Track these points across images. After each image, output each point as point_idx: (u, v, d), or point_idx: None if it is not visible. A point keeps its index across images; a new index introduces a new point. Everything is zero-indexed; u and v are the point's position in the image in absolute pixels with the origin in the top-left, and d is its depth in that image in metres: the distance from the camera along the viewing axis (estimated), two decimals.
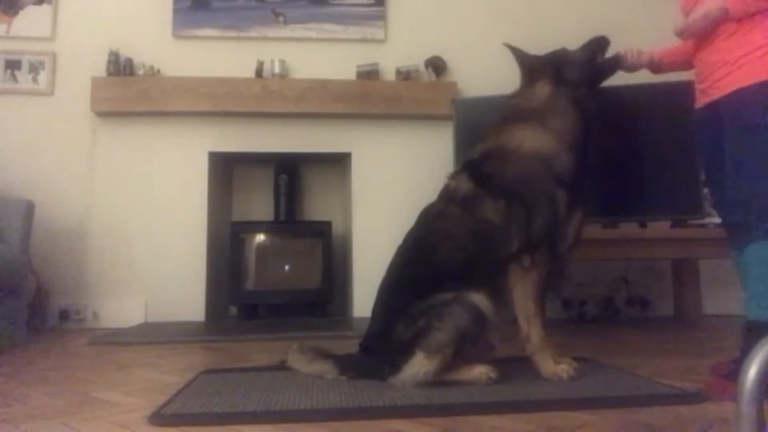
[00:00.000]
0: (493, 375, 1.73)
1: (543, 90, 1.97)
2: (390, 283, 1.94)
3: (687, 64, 2.09)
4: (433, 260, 1.86)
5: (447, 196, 1.97)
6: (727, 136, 1.80)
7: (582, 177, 1.91)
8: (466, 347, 1.71)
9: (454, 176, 2.02)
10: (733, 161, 1.78)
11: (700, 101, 1.95)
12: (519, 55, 2.09)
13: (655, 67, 2.18)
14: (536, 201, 1.83)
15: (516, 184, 1.85)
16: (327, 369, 1.86)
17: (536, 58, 2.07)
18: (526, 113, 1.95)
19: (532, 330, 1.81)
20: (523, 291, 1.81)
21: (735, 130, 1.78)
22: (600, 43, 2.07)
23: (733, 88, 1.77)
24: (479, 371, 1.74)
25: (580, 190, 1.90)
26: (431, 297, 1.76)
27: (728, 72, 1.79)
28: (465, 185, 1.92)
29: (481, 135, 2.05)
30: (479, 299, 1.75)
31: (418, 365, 1.68)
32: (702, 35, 1.89)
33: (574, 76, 1.97)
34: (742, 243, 1.80)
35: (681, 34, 1.97)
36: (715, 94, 1.85)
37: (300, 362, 1.94)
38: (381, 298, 1.94)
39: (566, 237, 1.87)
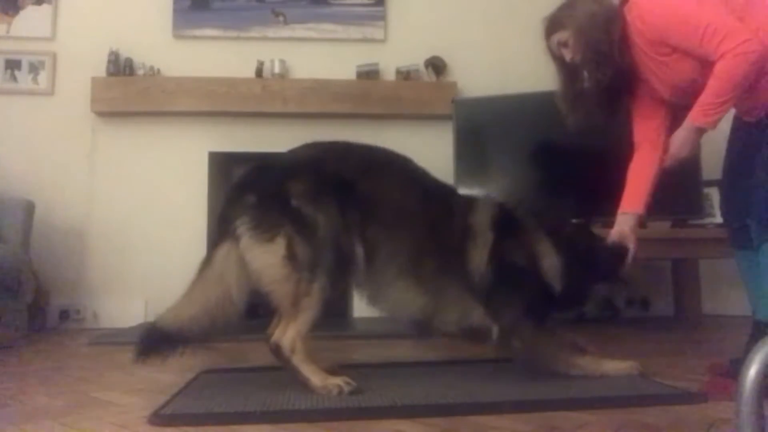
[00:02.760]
0: (347, 389, 1.59)
1: (546, 248, 1.83)
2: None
3: (660, 168, 2.00)
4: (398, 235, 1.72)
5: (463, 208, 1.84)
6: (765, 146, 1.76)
7: None
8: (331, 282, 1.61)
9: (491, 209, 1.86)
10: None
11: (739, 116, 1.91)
12: (552, 213, 1.98)
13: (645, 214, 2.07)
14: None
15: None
16: None
17: (564, 223, 1.95)
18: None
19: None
20: None
21: None
22: (622, 257, 1.94)
23: None
24: (334, 382, 1.61)
25: None
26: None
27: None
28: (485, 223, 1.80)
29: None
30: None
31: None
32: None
33: (576, 261, 1.84)
34: (752, 243, 1.79)
35: (675, 164, 1.90)
36: (757, 115, 1.81)
37: None
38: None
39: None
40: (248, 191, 1.69)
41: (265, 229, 1.61)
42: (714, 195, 3.45)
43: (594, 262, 1.86)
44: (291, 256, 1.60)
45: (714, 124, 1.74)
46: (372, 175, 1.76)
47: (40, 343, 2.84)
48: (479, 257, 1.72)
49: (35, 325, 3.24)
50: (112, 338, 2.87)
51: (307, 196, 1.65)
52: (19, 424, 1.39)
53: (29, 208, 3.09)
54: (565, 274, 1.78)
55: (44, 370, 2.13)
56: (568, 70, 1.94)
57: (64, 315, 3.46)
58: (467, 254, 1.72)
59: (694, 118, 1.75)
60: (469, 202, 1.87)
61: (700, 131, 1.78)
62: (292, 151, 1.86)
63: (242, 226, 1.63)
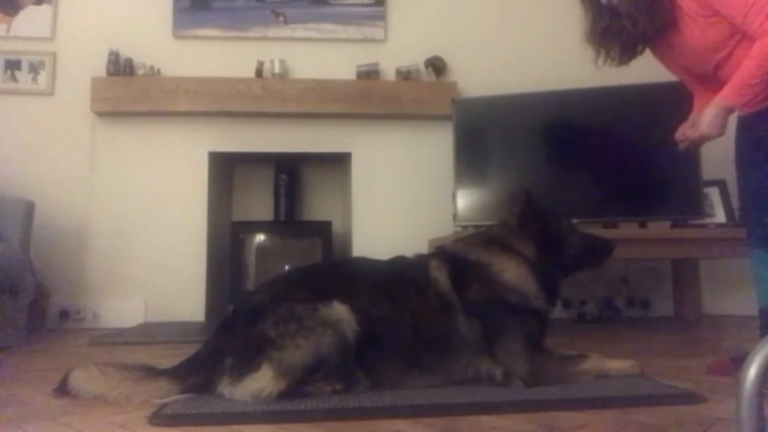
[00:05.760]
0: (338, 387, 1.59)
1: (529, 248, 1.82)
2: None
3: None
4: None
5: (427, 280, 1.79)
6: None
7: None
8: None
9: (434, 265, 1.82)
10: None
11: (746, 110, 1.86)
12: (530, 204, 1.88)
13: None
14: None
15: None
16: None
17: (540, 219, 1.87)
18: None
19: None
20: None
21: None
22: (607, 251, 1.94)
23: None
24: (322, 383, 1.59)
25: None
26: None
27: None
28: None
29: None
30: None
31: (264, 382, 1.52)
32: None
33: (558, 254, 1.84)
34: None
35: (702, 142, 1.88)
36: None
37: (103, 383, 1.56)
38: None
39: None
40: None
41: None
42: (714, 195, 3.46)
43: (560, 249, 1.86)
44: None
45: (743, 105, 1.71)
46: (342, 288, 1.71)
47: (40, 343, 2.84)
48: (457, 312, 1.71)
49: (35, 325, 3.24)
50: (112, 338, 2.87)
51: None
52: (20, 425, 1.39)
53: (29, 208, 3.09)
54: (530, 272, 1.78)
55: (44, 370, 2.12)
56: (597, 10, 1.89)
57: (64, 315, 3.46)
58: (451, 317, 1.71)
59: (725, 96, 1.72)
60: (423, 267, 1.82)
61: (729, 110, 1.74)
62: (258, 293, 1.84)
63: None
